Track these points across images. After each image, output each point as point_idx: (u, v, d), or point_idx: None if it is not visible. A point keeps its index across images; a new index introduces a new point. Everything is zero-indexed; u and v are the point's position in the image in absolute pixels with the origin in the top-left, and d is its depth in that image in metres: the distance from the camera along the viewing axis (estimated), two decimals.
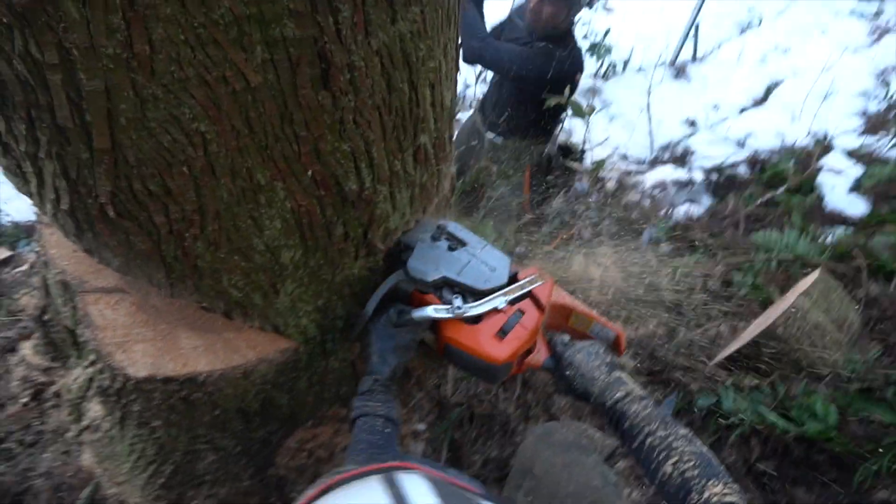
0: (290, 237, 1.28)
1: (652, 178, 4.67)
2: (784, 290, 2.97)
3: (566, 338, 1.43)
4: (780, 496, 2.25)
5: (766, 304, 2.95)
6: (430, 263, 1.40)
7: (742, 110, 5.62)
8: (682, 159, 4.96)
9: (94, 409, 1.70)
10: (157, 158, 1.05)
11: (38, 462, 1.81)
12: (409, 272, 1.39)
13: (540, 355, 1.43)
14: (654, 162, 5.06)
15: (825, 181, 3.98)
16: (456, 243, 1.48)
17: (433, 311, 1.34)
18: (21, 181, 1.19)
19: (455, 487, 0.78)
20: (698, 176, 4.55)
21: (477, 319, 1.35)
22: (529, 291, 1.43)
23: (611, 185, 4.63)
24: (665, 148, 5.25)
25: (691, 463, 1.01)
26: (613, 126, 5.63)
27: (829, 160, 4.22)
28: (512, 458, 2.06)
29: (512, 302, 1.39)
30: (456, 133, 3.41)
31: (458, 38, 1.43)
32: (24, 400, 2.04)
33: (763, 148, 4.82)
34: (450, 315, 1.33)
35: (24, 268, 3.07)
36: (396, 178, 1.35)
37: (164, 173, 1.07)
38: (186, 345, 1.45)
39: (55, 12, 0.85)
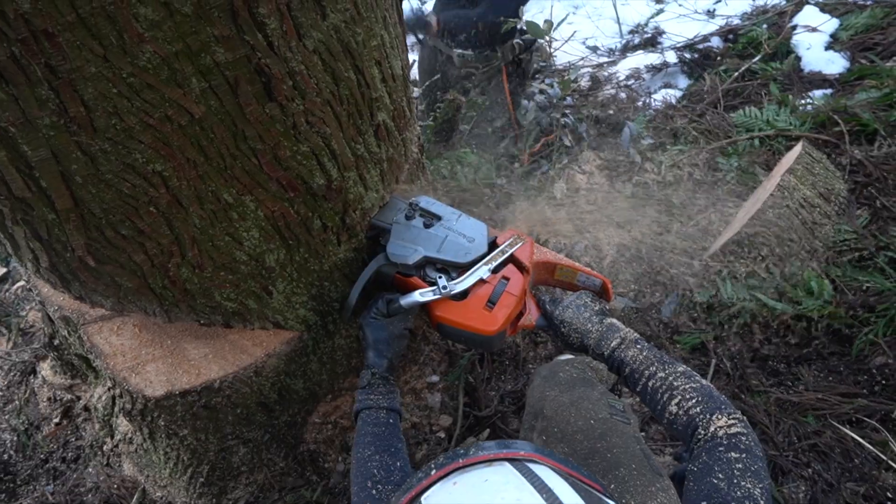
0: (271, 241, 1.30)
1: (625, 67, 4.57)
2: (769, 168, 2.97)
3: (549, 296, 1.46)
4: (786, 377, 2.35)
5: (754, 185, 2.97)
6: (408, 245, 1.41)
7: None
8: (653, 41, 4.83)
9: (123, 423, 1.77)
10: (122, 205, 1.05)
11: (84, 477, 1.90)
12: (389, 257, 1.40)
13: (532, 315, 1.45)
14: (626, 49, 4.93)
15: (801, 41, 3.88)
16: (431, 218, 1.48)
17: (420, 295, 1.35)
18: None
19: (584, 484, 0.79)
20: (671, 57, 4.45)
21: (464, 294, 1.37)
22: (511, 255, 1.44)
23: (584, 82, 4.54)
24: (634, 31, 5.10)
25: (694, 399, 1.06)
26: (578, 17, 5.44)
27: (802, 17, 4.10)
28: (527, 388, 2.15)
29: (495, 270, 1.41)
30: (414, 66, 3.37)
31: (398, 3, 1.38)
32: (57, 419, 2.12)
33: (734, 15, 4.68)
34: (436, 296, 1.35)
35: (22, 283, 3.09)
36: (362, 161, 1.35)
37: (132, 217, 1.08)
38: (195, 355, 1.50)
39: None
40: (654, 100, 4.10)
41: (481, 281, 1.39)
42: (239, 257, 1.27)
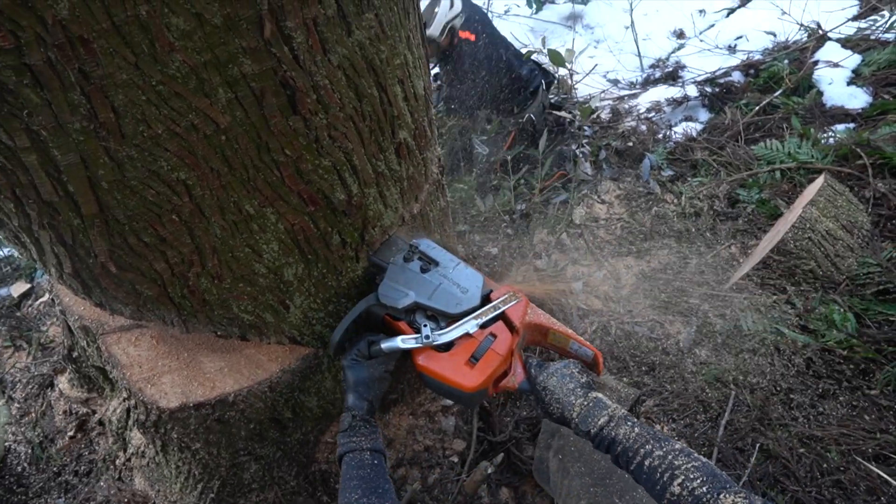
0: (290, 255, 1.31)
1: (646, 100, 4.59)
2: (791, 200, 2.95)
3: (538, 360, 1.42)
4: (808, 411, 2.30)
5: (775, 217, 2.94)
6: (401, 288, 1.40)
7: (729, 13, 5.46)
8: (674, 75, 4.86)
9: (137, 436, 1.78)
10: (146, 212, 1.07)
11: (96, 491, 1.90)
12: (380, 297, 1.39)
13: (516, 377, 1.41)
14: (647, 83, 4.96)
15: (822, 76, 3.88)
16: (428, 263, 1.47)
17: (401, 342, 1.34)
18: (22, 249, 1.22)
19: None
20: (692, 91, 4.46)
21: (448, 346, 1.35)
22: (503, 313, 1.41)
23: (604, 114, 4.56)
24: (655, 66, 5.14)
25: (699, 480, 1.01)
26: (599, 51, 5.50)
27: (824, 53, 4.11)
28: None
29: (484, 325, 1.38)
30: None
31: (421, 26, 1.41)
32: (71, 433, 2.12)
33: (755, 50, 4.70)
34: (419, 345, 1.33)
35: (46, 298, 3.14)
36: (383, 178, 1.36)
37: (154, 224, 1.10)
38: (211, 368, 1.50)
39: (16, 100, 0.86)
40: (675, 132, 4.11)
41: (468, 335, 1.35)
42: (258, 269, 1.28)
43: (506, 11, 5.92)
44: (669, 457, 1.07)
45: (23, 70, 0.84)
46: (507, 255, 2.63)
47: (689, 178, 3.55)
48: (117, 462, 1.96)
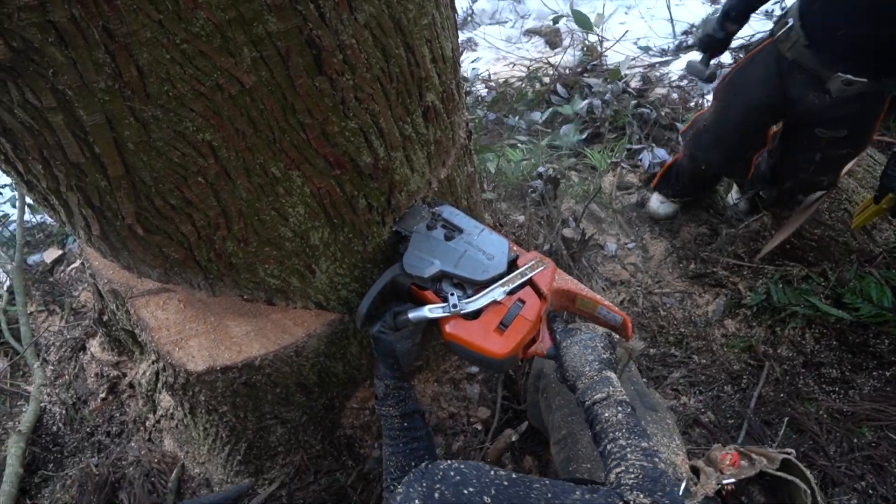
0: (316, 219, 1.30)
1: (677, 67, 4.46)
2: None
3: (565, 325, 1.40)
4: (840, 385, 2.26)
5: None
6: (425, 257, 1.38)
7: None
8: None
9: (166, 399, 1.81)
10: (172, 174, 1.06)
11: (127, 451, 1.95)
12: (405, 267, 1.38)
13: (544, 343, 1.39)
14: (679, 49, 4.82)
15: None
16: (452, 231, 1.44)
17: (429, 311, 1.32)
18: (52, 212, 1.23)
19: None
20: (727, 58, 4.33)
21: (477, 314, 1.33)
22: (530, 279, 1.39)
23: (635, 82, 4.46)
24: (688, 32, 4.98)
25: (633, 475, 1.01)
26: (630, 17, 5.35)
27: None
28: None
29: (512, 291, 1.37)
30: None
31: None
32: (103, 395, 2.17)
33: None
34: (446, 313, 1.32)
35: (77, 263, 3.19)
36: (409, 142, 1.34)
37: (181, 186, 1.09)
38: (237, 332, 1.51)
39: (41, 59, 0.85)
40: (707, 100, 4.00)
41: (495, 302, 1.34)
42: (284, 233, 1.28)
43: None
44: (627, 450, 1.08)
45: (47, 27, 0.83)
46: (533, 224, 2.60)
47: None
48: (147, 423, 2.00)
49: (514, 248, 1.46)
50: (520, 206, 3.02)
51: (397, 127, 1.28)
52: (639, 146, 3.59)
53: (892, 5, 1.80)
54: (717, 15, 2.34)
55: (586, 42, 4.67)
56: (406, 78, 1.23)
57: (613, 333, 1.46)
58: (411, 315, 1.34)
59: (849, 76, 1.97)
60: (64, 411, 2.27)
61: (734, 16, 2.28)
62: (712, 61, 2.54)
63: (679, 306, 2.67)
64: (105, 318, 1.99)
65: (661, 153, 3.51)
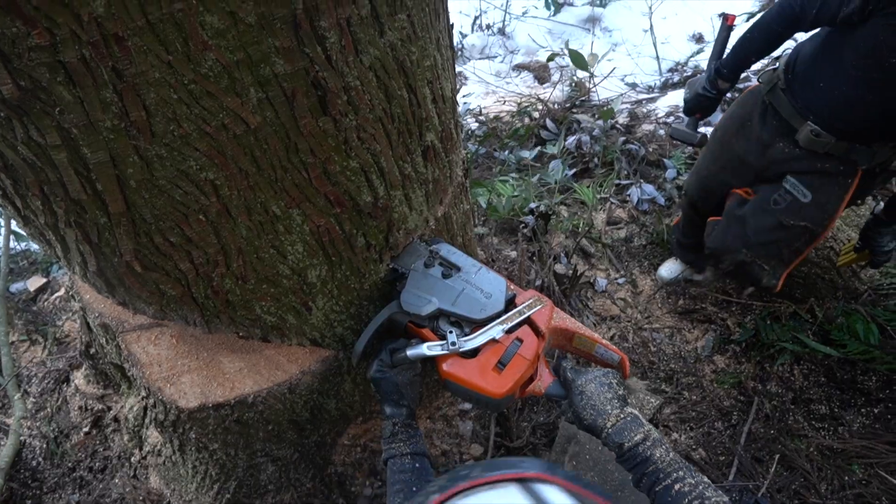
0: (314, 257, 1.29)
1: (664, 104, 4.55)
2: None
3: (572, 363, 1.40)
4: (829, 422, 2.26)
5: None
6: (423, 295, 1.38)
7: (749, 17, 5.40)
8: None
9: (153, 435, 1.77)
10: (173, 212, 1.06)
11: (110, 488, 1.90)
12: (402, 305, 1.37)
13: (542, 382, 1.39)
14: (665, 86, 4.92)
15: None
16: (450, 269, 1.45)
17: (427, 348, 1.32)
18: (47, 247, 1.22)
19: (593, 502, 0.76)
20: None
21: (474, 352, 1.33)
22: (528, 317, 1.40)
23: (622, 118, 4.53)
24: (674, 70, 5.10)
25: None
26: (617, 54, 5.46)
27: None
28: (558, 420, 2.10)
29: (510, 330, 1.36)
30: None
31: (450, 28, 1.39)
32: (86, 428, 2.12)
33: (776, 52, 4.65)
34: (444, 352, 1.31)
35: (62, 293, 3.14)
36: (409, 181, 1.34)
37: (181, 224, 1.08)
38: (230, 368, 1.49)
39: (48, 98, 0.85)
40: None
41: (494, 340, 1.34)
42: (282, 271, 1.27)
43: (524, 13, 5.89)
44: (700, 487, 1.06)
45: (57, 67, 0.83)
46: (525, 260, 2.60)
47: None
48: (132, 460, 1.95)
49: (512, 287, 1.46)
50: (510, 240, 3.03)
51: (398, 166, 1.28)
52: (627, 182, 3.64)
53: (884, 75, 1.71)
54: (705, 74, 2.23)
55: (575, 78, 4.76)
56: (407, 118, 1.24)
57: None
58: (409, 353, 1.33)
59: (818, 128, 1.91)
60: (45, 445, 2.21)
61: (726, 73, 2.17)
62: (701, 126, 2.40)
63: (669, 342, 2.68)
64: (92, 350, 1.96)
65: (650, 189, 3.56)
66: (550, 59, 3.98)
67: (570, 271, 2.56)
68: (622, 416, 1.23)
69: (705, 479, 1.10)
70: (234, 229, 1.14)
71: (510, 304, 1.43)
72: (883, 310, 2.41)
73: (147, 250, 1.12)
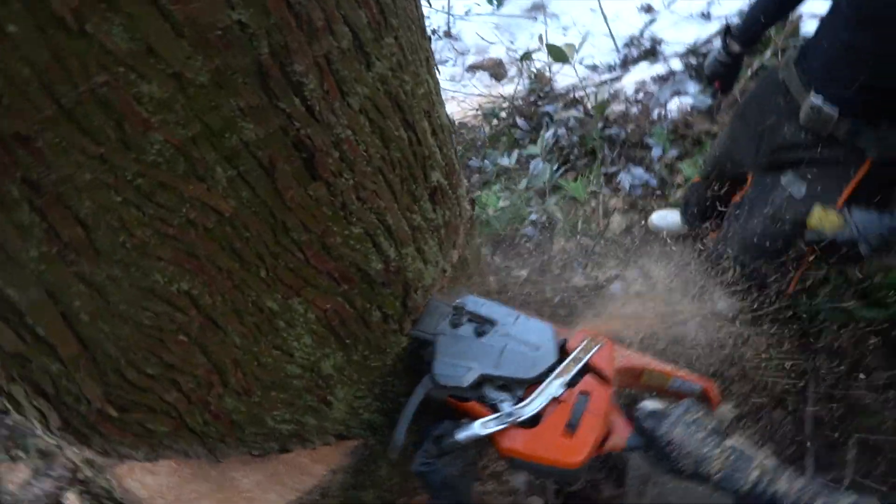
0: (326, 346, 1.06)
1: (630, 81, 4.39)
2: None
3: (649, 406, 1.14)
4: (893, 391, 2.09)
5: None
6: (459, 362, 1.15)
7: None
8: (653, 52, 4.66)
9: None
10: (144, 339, 0.82)
11: None
12: (437, 379, 1.14)
13: (620, 435, 1.14)
14: (626, 63, 4.77)
15: (812, 28, 3.71)
16: (483, 324, 1.22)
17: (480, 427, 1.08)
18: None
19: None
20: (676, 65, 4.27)
21: (535, 419, 1.10)
22: (587, 364, 1.17)
23: (590, 104, 4.36)
24: (630, 45, 4.95)
25: None
26: (569, 38, 5.30)
27: (809, 5, 3.93)
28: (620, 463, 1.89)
29: (570, 383, 1.14)
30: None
31: (428, 39, 1.17)
32: None
33: (731, 13, 4.53)
34: (501, 426, 1.08)
35: None
36: (419, 233, 1.12)
37: (158, 351, 0.84)
38: (247, 484, 1.25)
39: None
40: (669, 110, 3.91)
41: (555, 400, 1.11)
42: (291, 371, 1.04)
43: (467, 12, 5.70)
44: None
45: None
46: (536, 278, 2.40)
47: (696, 154, 3.36)
48: None
49: (559, 329, 1.24)
50: (510, 254, 2.82)
51: (405, 220, 1.06)
52: (614, 169, 3.46)
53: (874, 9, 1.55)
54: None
55: (533, 70, 4.58)
56: (409, 161, 1.01)
57: None
58: (460, 436, 1.09)
59: (819, 99, 1.70)
60: None
61: (738, 36, 2.03)
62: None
63: (702, 332, 2.48)
64: (80, 476, 1.69)
65: (640, 172, 3.38)
66: (526, 57, 3.80)
67: (590, 281, 2.36)
68: (725, 455, 1.02)
69: (849, 498, 0.89)
70: (225, 341, 0.90)
71: (562, 351, 1.21)
72: None
73: (120, 390, 0.87)
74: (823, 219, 1.77)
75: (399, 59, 0.90)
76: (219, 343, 0.90)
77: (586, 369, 1.17)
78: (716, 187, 2.35)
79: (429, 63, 1.06)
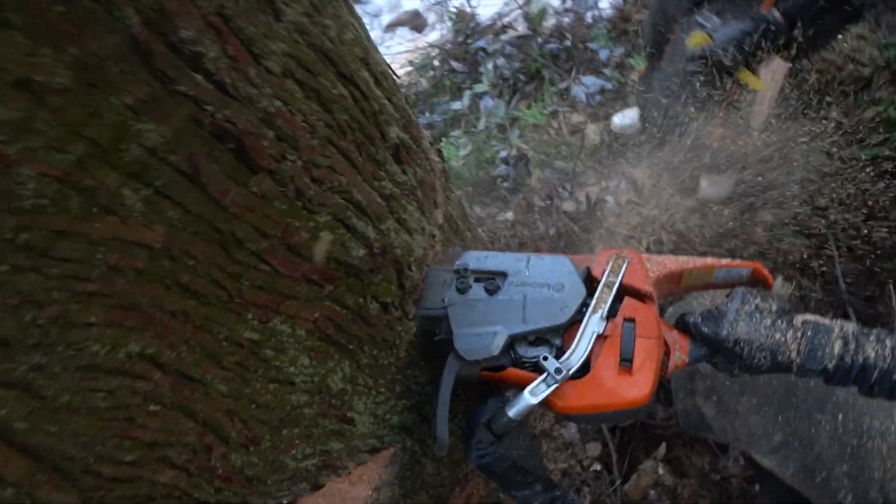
0: (328, 360, 0.91)
1: None
2: None
3: (699, 309, 1.04)
4: None
5: None
6: (481, 330, 1.01)
7: None
8: None
9: None
10: (106, 425, 0.65)
11: None
12: (462, 355, 0.99)
13: (681, 350, 1.03)
14: None
15: None
16: (493, 279, 1.06)
17: (530, 395, 0.95)
18: None
19: None
20: None
21: (585, 365, 0.98)
22: (622, 285, 1.04)
23: (521, 27, 4.16)
24: None
25: None
26: None
27: None
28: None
29: (610, 314, 1.01)
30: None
31: None
32: None
33: None
34: (553, 387, 0.95)
35: None
36: (395, 201, 0.96)
37: (129, 433, 0.68)
38: None
39: None
40: (602, 9, 3.73)
41: (600, 338, 0.99)
42: (297, 401, 0.88)
43: None
44: None
45: None
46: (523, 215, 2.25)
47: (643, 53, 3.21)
48: None
49: (579, 260, 1.09)
50: (487, 200, 2.66)
51: (375, 190, 0.89)
52: (564, 84, 3.30)
53: None
54: None
55: (452, 10, 4.36)
56: (359, 121, 0.84)
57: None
58: (512, 413, 0.95)
59: None
60: None
61: None
62: None
63: (703, 222, 2.37)
64: None
65: (591, 80, 3.22)
66: None
67: (581, 204, 2.21)
68: (802, 335, 0.90)
69: None
70: (209, 394, 0.74)
71: (590, 281, 1.07)
72: None
73: (101, 490, 0.71)
74: (694, 37, 1.84)
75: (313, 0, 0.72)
76: (202, 398, 0.73)
77: (622, 293, 1.04)
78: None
79: (347, 2, 0.88)
